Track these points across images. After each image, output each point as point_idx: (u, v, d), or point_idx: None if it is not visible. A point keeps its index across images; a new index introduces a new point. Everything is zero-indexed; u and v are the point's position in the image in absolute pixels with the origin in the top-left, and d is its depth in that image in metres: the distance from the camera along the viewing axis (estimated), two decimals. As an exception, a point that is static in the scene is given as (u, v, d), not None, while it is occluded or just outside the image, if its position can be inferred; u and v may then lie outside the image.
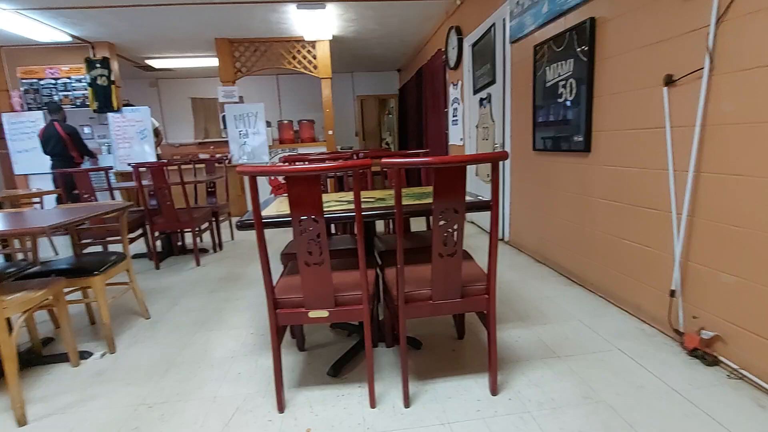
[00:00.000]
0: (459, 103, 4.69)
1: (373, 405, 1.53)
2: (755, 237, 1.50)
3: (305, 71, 5.92)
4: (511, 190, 3.58)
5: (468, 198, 1.66)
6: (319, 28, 5.29)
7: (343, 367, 1.80)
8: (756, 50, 1.45)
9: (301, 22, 5.05)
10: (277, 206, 1.79)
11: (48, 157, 4.81)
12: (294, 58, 5.85)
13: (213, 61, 6.34)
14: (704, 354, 1.71)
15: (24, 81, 5.44)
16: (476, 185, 4.38)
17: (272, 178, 5.84)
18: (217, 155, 5.93)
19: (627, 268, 2.18)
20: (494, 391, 1.57)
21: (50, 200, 5.08)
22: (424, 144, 6.43)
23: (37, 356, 2.00)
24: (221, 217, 4.23)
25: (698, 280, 1.76)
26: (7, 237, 2.49)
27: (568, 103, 2.53)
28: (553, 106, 2.70)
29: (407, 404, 1.53)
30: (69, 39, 5.10)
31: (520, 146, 3.33)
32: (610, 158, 2.25)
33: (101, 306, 2.02)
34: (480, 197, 1.76)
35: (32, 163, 5.44)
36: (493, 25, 3.58)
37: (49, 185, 5.29)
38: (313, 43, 5.81)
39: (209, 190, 4.47)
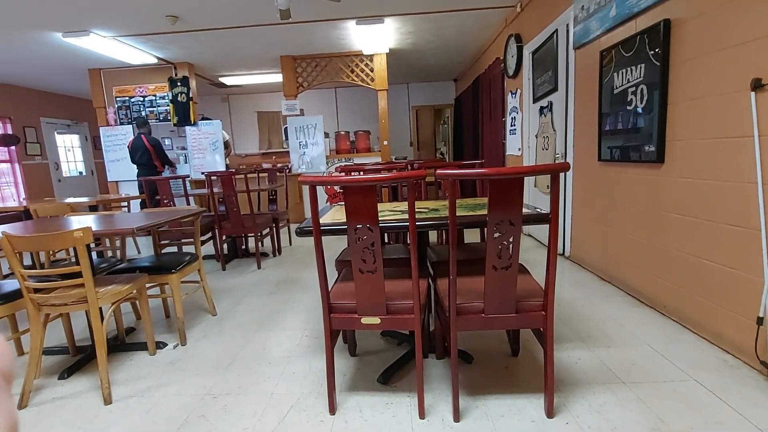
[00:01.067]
0: (517, 112, 4.57)
1: (422, 416, 1.52)
2: None
3: (362, 84, 6.11)
4: (573, 202, 3.40)
5: (525, 210, 1.61)
6: (377, 41, 5.45)
7: (393, 375, 1.81)
8: None
9: (360, 37, 5.23)
10: (333, 214, 1.87)
11: (135, 166, 5.40)
12: (352, 71, 6.06)
13: (277, 77, 6.76)
14: (802, 393, 1.50)
15: (118, 99, 6.17)
16: (535, 197, 4.22)
17: (329, 186, 6.05)
18: (279, 165, 6.28)
19: (706, 291, 1.98)
20: (550, 413, 1.50)
21: (135, 204, 5.68)
22: (480, 154, 6.32)
23: (121, 343, 2.24)
24: (281, 223, 4.46)
25: (795, 308, 1.55)
26: (101, 236, 2.82)
27: (639, 111, 2.37)
28: (622, 114, 2.54)
29: (457, 418, 1.50)
30: (155, 61, 5.71)
31: (583, 156, 3.17)
32: (687, 169, 2.07)
33: (176, 301, 2.22)
34: (538, 209, 1.70)
35: (122, 171, 6.12)
36: (556, 31, 3.46)
37: (135, 191, 5.93)
38: (370, 57, 5.98)
39: (271, 197, 4.74)
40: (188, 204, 3.99)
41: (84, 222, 2.14)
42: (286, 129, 6.25)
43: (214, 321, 2.55)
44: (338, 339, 2.15)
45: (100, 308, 1.74)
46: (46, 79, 6.56)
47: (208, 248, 4.52)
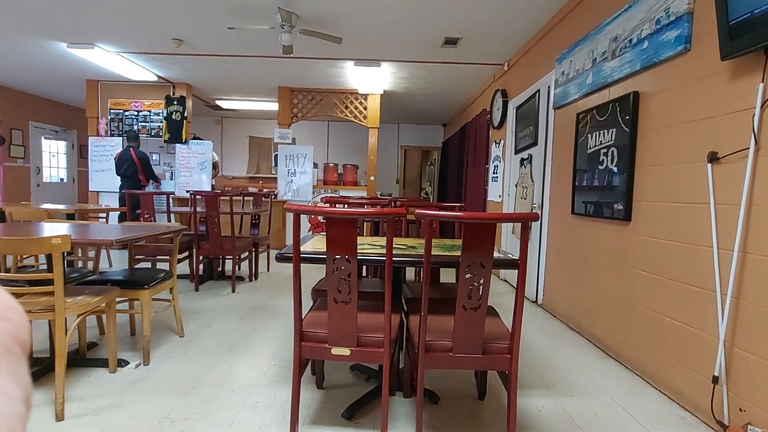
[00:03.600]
0: (500, 161, 4.79)
1: (383, 454, 1.51)
2: (807, 328, 1.40)
3: (355, 120, 6.32)
4: (548, 252, 3.53)
5: (497, 255, 1.69)
6: (372, 82, 5.71)
7: (358, 410, 1.79)
8: (802, 136, 1.44)
9: (357, 77, 5.48)
10: (314, 243, 1.91)
11: (119, 178, 5.35)
12: (346, 107, 6.29)
13: (273, 105, 6.94)
14: (752, 454, 1.55)
15: (112, 111, 6.20)
16: (512, 243, 4.34)
17: (313, 216, 6.09)
18: (265, 190, 6.31)
19: (668, 347, 2.06)
20: (511, 459, 1.50)
21: (113, 217, 5.57)
22: (462, 197, 6.51)
23: (81, 358, 2.16)
24: (261, 248, 4.44)
25: (746, 368, 1.63)
26: (79, 245, 2.77)
27: (610, 171, 2.55)
28: (594, 172, 2.72)
29: (418, 459, 1.49)
30: (155, 78, 5.82)
31: (558, 208, 3.32)
32: (652, 229, 2.21)
33: (144, 318, 2.17)
34: (510, 255, 1.78)
35: (105, 182, 6.05)
36: (538, 91, 3.73)
37: (115, 203, 5.83)
38: (365, 96, 6.24)
39: (253, 221, 4.73)
40: (169, 221, 3.95)
41: (59, 229, 2.12)
42: (276, 156, 6.35)
43: (181, 342, 2.48)
44: (306, 370, 2.13)
45: (66, 319, 1.69)
46: (41, 85, 6.57)
47: (183, 267, 4.43)
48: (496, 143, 5.00)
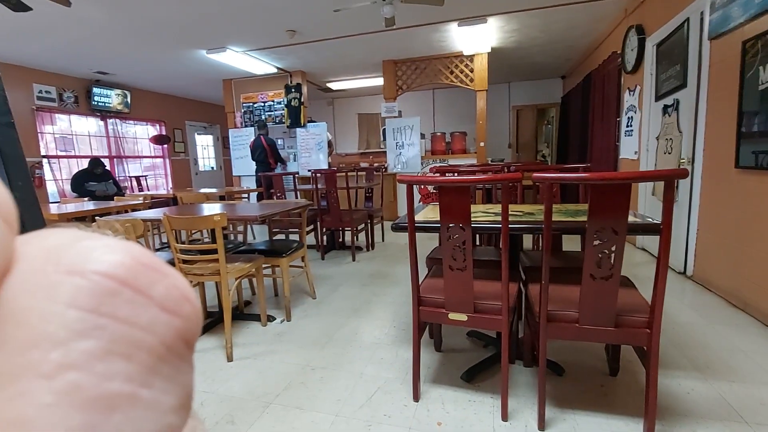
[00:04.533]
0: (635, 111, 4.12)
1: (504, 418, 1.52)
2: None
3: (461, 85, 6.08)
4: (700, 214, 2.98)
5: (633, 219, 1.50)
6: (478, 41, 5.38)
7: (477, 375, 1.83)
8: None
9: (461, 38, 5.22)
10: (426, 213, 1.95)
11: (254, 163, 6.17)
12: (451, 72, 6.07)
13: (378, 81, 7.08)
14: None
15: (244, 104, 7.09)
16: (653, 206, 3.78)
17: (423, 186, 6.16)
18: (376, 164, 6.58)
19: None
20: (651, 440, 1.38)
21: (252, 196, 6.48)
22: (587, 157, 5.83)
23: (240, 313, 2.63)
24: (375, 219, 4.70)
25: None
26: (232, 222, 3.31)
27: (794, 109, 2.00)
28: (770, 114, 2.16)
29: (542, 427, 1.47)
30: (275, 70, 6.44)
31: (716, 162, 2.75)
32: None
33: (285, 281, 2.52)
34: (650, 219, 1.56)
35: (244, 167, 7.03)
36: (687, 20, 3.06)
37: (252, 184, 6.76)
38: (471, 57, 5.93)
39: (367, 195, 5.01)
40: (296, 198, 4.43)
41: (215, 209, 2.56)
42: (384, 130, 6.53)
43: (314, 303, 2.83)
44: (425, 333, 2.23)
45: (227, 281, 2.08)
46: (190, 88, 7.83)
47: (310, 239, 4.96)
48: (630, 91, 4.30)
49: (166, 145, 8.16)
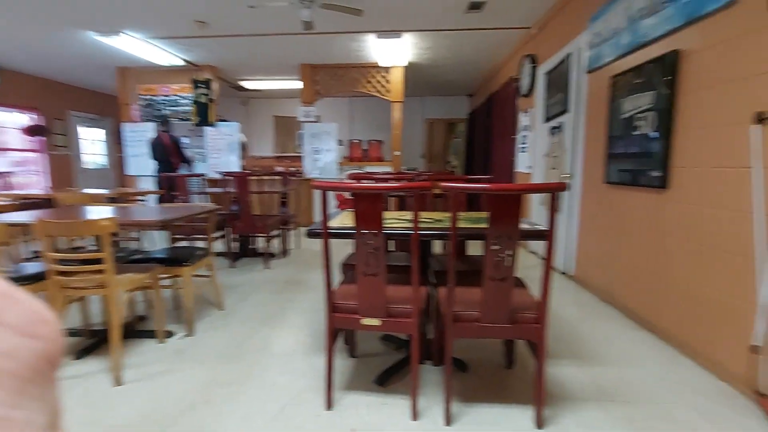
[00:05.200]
0: (529, 131, 4.64)
1: (414, 417, 1.58)
2: None
3: (378, 95, 6.24)
4: (580, 223, 3.45)
5: (524, 226, 1.68)
6: (394, 55, 5.59)
7: (390, 378, 1.87)
8: None
9: (379, 50, 5.38)
10: (342, 219, 1.95)
11: (154, 162, 5.58)
12: (368, 82, 6.21)
13: (296, 84, 6.95)
14: (792, 423, 1.52)
15: (142, 97, 6.40)
16: (542, 215, 4.26)
17: (340, 193, 6.17)
18: (292, 169, 6.42)
19: (705, 318, 2.01)
20: (540, 424, 1.54)
21: (151, 198, 5.85)
22: (490, 169, 6.39)
23: (131, 330, 2.34)
24: (290, 225, 4.57)
25: (787, 338, 1.58)
26: (125, 227, 2.94)
27: (646, 136, 2.43)
28: (629, 139, 2.60)
29: (448, 422, 1.55)
30: (181, 63, 5.93)
31: (591, 178, 3.22)
32: (691, 196, 2.12)
33: (187, 293, 2.32)
34: (539, 226, 1.76)
35: (141, 166, 6.32)
36: (569, 54, 3.55)
37: (152, 186, 6.11)
38: (387, 69, 6.13)
39: (282, 200, 4.86)
40: (203, 201, 4.11)
41: (104, 212, 2.26)
42: (301, 134, 6.41)
43: (221, 315, 2.64)
44: (340, 340, 2.23)
45: (116, 294, 1.84)
46: (76, 74, 6.83)
47: (219, 246, 4.64)
48: (524, 112, 4.83)
49: (42, 138, 6.97)
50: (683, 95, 2.17)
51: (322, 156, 6.26)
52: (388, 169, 6.32)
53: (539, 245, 4.45)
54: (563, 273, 3.68)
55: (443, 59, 5.89)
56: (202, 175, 4.34)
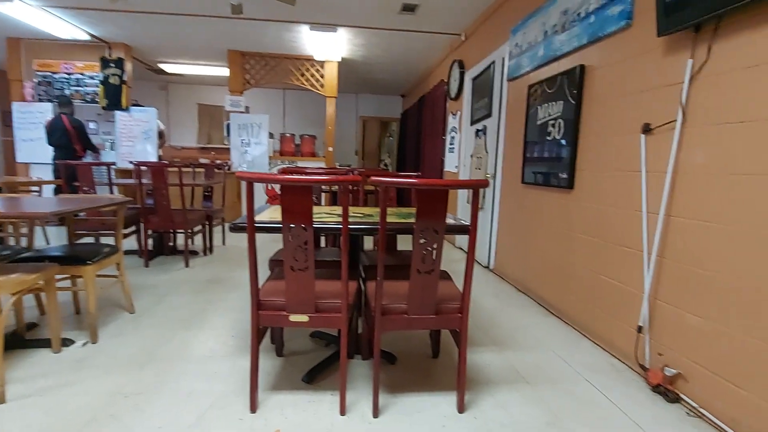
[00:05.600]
0: (456, 132, 4.87)
1: (342, 412, 1.58)
2: (718, 281, 1.60)
3: (312, 89, 6.12)
4: (499, 220, 3.70)
5: (450, 221, 1.76)
6: (329, 49, 5.52)
7: (318, 374, 1.85)
8: (724, 108, 1.59)
9: (313, 43, 5.27)
10: (270, 214, 1.88)
11: (51, 148, 4.90)
12: (302, 75, 6.06)
13: (223, 71, 6.55)
14: (666, 391, 1.78)
15: (39, 73, 5.58)
16: (467, 212, 4.49)
17: (269, 188, 5.95)
18: (218, 161, 6.05)
19: (602, 303, 2.27)
20: (461, 409, 1.63)
21: (48, 190, 5.13)
22: (420, 168, 6.59)
23: (20, 339, 2.03)
24: (215, 221, 4.30)
25: (665, 318, 1.84)
26: (11, 220, 2.54)
27: (557, 142, 2.68)
28: (543, 144, 2.85)
29: (376, 414, 1.58)
30: (87, 37, 5.27)
31: (510, 178, 3.47)
32: (591, 196, 2.37)
33: (90, 295, 2.07)
34: (463, 222, 1.85)
35: (35, 152, 5.51)
36: (493, 62, 3.78)
37: (48, 175, 5.36)
38: (322, 63, 6.03)
39: (206, 194, 4.55)
40: (111, 193, 3.71)
41: (-16, 203, 1.93)
42: (228, 125, 6.06)
43: (131, 318, 2.40)
44: (266, 339, 2.15)
45: (0, 299, 1.58)
46: (-53, 41, 5.75)
47: (131, 243, 4.22)
48: (453, 114, 5.06)
49: None
50: (587, 106, 2.43)
51: (252, 149, 5.98)
52: (321, 164, 6.22)
53: (464, 240, 4.69)
54: (485, 266, 3.93)
55: (377, 58, 5.94)
56: (111, 164, 3.90)
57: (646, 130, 1.96)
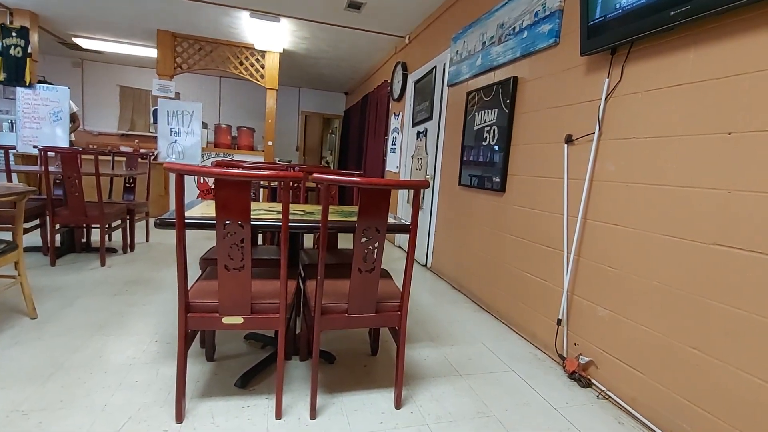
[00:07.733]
0: (398, 133, 4.95)
1: (278, 416, 1.53)
2: (624, 278, 1.80)
3: (251, 79, 5.85)
4: (437, 220, 3.82)
5: (392, 220, 1.78)
6: (270, 39, 5.31)
7: (253, 378, 1.77)
8: (630, 124, 1.79)
9: (253, 31, 5.04)
10: (203, 209, 1.77)
11: (-71, 126, 4.16)
12: (241, 63, 5.77)
13: (151, 52, 6.02)
14: (580, 377, 1.97)
15: None
16: (407, 211, 4.59)
17: (202, 181, 5.58)
18: (142, 150, 5.54)
19: (527, 299, 2.45)
20: (398, 404, 1.66)
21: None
22: (362, 166, 6.60)
23: None
24: (137, 216, 3.94)
25: (580, 312, 2.03)
26: None
27: (491, 147, 2.83)
28: (479, 148, 2.99)
29: (313, 416, 1.55)
30: (-20, -1, 4.55)
31: (448, 180, 3.60)
32: (520, 199, 2.55)
33: (-23, 299, 1.78)
34: (404, 221, 1.89)
35: None
36: (435, 67, 3.90)
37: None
38: (262, 53, 5.79)
39: (127, 185, 4.15)
40: (10, 181, 3.24)
41: None
42: (155, 111, 5.57)
43: (33, 325, 2.12)
44: (194, 344, 2.01)
45: None
46: None
47: (35, 238, 3.72)
48: (395, 115, 5.13)
49: None
50: (519, 115, 2.60)
51: (182, 138, 5.57)
52: (260, 159, 5.98)
53: (403, 239, 4.79)
54: (423, 265, 4.04)
55: (322, 53, 5.84)
56: (11, 147, 3.40)
57: (569, 140, 2.15)
